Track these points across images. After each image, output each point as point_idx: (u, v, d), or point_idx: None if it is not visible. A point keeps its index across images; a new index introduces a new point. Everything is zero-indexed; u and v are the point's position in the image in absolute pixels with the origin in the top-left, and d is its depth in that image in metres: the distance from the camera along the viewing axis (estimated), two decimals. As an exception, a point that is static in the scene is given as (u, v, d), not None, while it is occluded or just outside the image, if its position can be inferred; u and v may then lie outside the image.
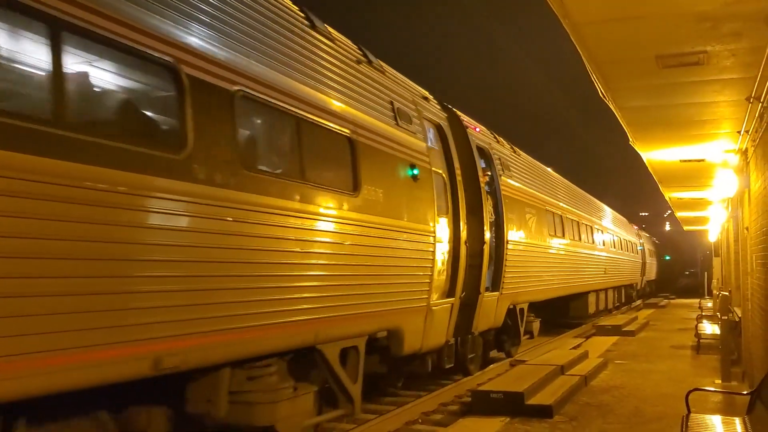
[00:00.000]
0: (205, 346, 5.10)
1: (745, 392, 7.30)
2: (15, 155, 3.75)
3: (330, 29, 7.72)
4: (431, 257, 8.97)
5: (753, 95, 7.68)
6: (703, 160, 12.54)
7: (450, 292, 9.80)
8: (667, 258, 55.67)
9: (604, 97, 8.15)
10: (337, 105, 7.11)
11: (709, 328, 16.01)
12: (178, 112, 4.94)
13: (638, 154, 12.31)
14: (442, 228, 9.42)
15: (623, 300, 31.59)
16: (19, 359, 3.76)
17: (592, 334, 19.58)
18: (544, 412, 8.59)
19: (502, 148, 13.39)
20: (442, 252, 9.40)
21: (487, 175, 11.79)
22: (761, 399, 5.90)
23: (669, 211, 41.92)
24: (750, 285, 10.41)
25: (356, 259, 7.13)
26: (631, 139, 10.91)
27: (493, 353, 13.43)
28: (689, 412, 6.41)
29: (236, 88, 5.52)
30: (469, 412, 8.93)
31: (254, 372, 6.07)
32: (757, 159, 8.89)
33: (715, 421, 6.31)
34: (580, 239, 19.87)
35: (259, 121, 6.20)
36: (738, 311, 13.20)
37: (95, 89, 4.74)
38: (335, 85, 7.21)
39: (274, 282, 5.87)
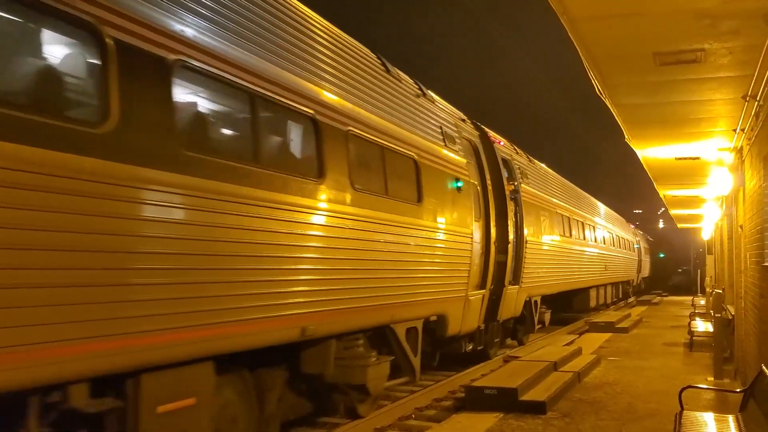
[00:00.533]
0: (325, 321, 6.72)
1: (738, 390, 7.32)
2: (242, 188, 5.52)
3: (398, 71, 9.50)
4: (469, 255, 10.60)
5: (749, 93, 7.68)
6: (698, 158, 12.56)
7: (482, 285, 11.42)
8: (662, 256, 55.93)
9: (601, 94, 8.14)
10: (407, 134, 8.88)
11: (702, 326, 16.06)
12: (318, 151, 6.72)
13: (633, 151, 12.32)
14: (477, 230, 11.07)
15: (620, 295, 32.75)
16: (233, 324, 5.43)
17: (585, 331, 19.65)
18: (537, 408, 8.60)
19: (521, 159, 15.21)
20: (476, 251, 11.03)
21: (512, 184, 13.53)
22: (754, 397, 5.91)
23: (663, 209, 42.08)
24: (744, 283, 10.44)
25: (419, 256, 8.85)
26: (627, 137, 10.91)
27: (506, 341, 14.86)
28: (682, 409, 6.42)
29: (348, 128, 7.28)
30: (463, 408, 8.94)
31: (348, 344, 7.76)
32: (752, 157, 8.89)
33: (708, 418, 6.32)
34: (584, 238, 21.57)
35: (360, 152, 7.68)
36: (731, 309, 13.25)
37: (280, 140, 6.69)
38: (404, 118, 8.98)
39: (367, 274, 7.54)
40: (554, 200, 17.64)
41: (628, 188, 63.44)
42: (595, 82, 7.67)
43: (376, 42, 8.67)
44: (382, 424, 8.49)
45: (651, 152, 12.28)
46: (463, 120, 11.98)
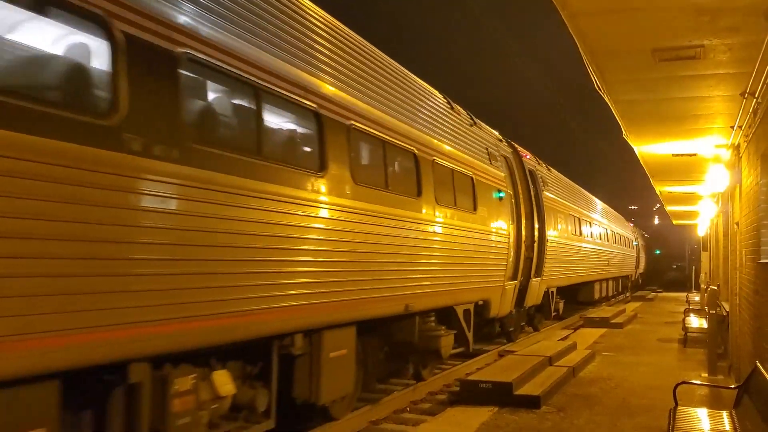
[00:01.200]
0: (417, 301, 8.85)
1: (732, 386, 7.35)
2: (376, 206, 7.69)
3: (457, 106, 11.64)
4: (506, 251, 12.90)
5: (747, 91, 7.66)
6: (695, 155, 12.56)
7: (514, 276, 13.66)
8: (658, 252, 56.14)
9: (599, 89, 8.12)
10: (467, 158, 11.14)
11: (696, 322, 16.12)
12: (417, 177, 8.98)
13: (630, 147, 12.32)
14: (511, 231, 13.26)
15: (620, 289, 34.13)
16: (368, 300, 7.60)
17: (580, 326, 19.71)
18: (532, 403, 8.63)
19: (542, 169, 17.48)
20: (511, 248, 13.22)
21: (535, 190, 15.65)
22: (748, 393, 5.93)
23: (658, 205, 42.20)
24: (738, 280, 10.46)
25: (474, 252, 11.04)
26: (624, 133, 10.90)
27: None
28: (677, 404, 6.44)
29: (433, 158, 9.52)
30: (458, 402, 8.96)
31: (424, 320, 9.79)
32: (750, 155, 8.90)
33: (702, 414, 6.32)
34: (591, 237, 23.80)
35: (440, 174, 9.78)
36: (726, 305, 13.29)
37: (399, 171, 8.92)
38: (464, 144, 11.20)
39: (442, 266, 9.66)
40: (567, 203, 19.89)
41: (624, 184, 63.59)
42: (593, 78, 7.65)
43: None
44: (377, 416, 8.51)
45: (648, 148, 12.28)
46: (500, 140, 14.32)
